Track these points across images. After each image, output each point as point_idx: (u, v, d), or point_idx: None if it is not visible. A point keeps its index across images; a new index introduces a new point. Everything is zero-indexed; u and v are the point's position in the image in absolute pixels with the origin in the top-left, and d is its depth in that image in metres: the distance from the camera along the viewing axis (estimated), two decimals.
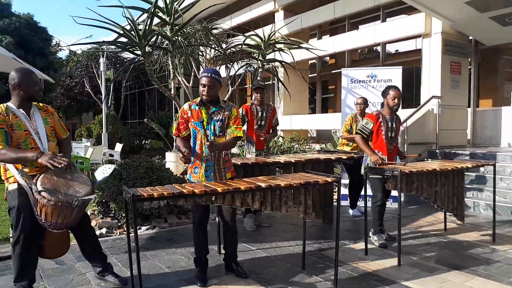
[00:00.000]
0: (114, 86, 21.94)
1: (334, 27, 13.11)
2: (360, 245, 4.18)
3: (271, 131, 5.25)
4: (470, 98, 9.13)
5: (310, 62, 13.34)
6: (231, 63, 8.55)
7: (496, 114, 8.82)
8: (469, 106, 8.94)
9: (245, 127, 4.97)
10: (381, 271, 3.53)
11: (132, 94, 25.04)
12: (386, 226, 4.70)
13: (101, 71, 15.98)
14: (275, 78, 8.95)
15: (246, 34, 8.10)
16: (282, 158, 4.83)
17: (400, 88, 6.24)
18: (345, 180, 6.33)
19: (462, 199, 4.53)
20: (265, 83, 6.17)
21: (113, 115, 18.47)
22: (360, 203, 5.82)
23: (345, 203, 6.19)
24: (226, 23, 13.22)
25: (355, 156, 5.28)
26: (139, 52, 6.34)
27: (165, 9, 6.70)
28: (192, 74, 8.39)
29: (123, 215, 4.78)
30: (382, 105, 4.46)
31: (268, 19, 13.40)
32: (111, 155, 11.71)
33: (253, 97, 5.13)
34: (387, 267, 3.63)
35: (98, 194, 5.02)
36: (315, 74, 13.57)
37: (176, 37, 6.74)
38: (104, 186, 4.98)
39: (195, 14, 6.96)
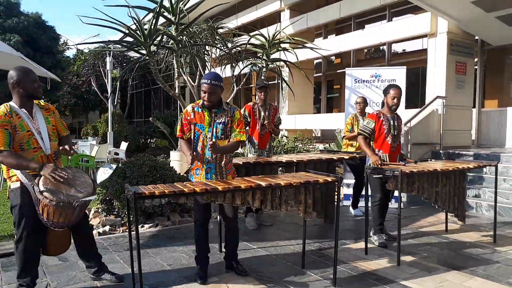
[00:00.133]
0: (120, 85, 22.10)
1: (340, 27, 13.09)
2: (361, 245, 4.20)
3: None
4: (476, 99, 9.08)
5: (315, 61, 13.34)
6: (236, 63, 8.59)
7: (501, 115, 8.77)
8: (474, 107, 8.90)
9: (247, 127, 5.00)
10: (380, 271, 3.55)
11: (138, 93, 25.22)
12: (388, 226, 4.72)
13: (107, 70, 16.10)
14: (280, 77, 8.98)
15: (251, 34, 8.13)
16: (284, 158, 4.86)
17: (404, 88, 6.27)
18: (348, 180, 6.35)
19: (463, 200, 4.53)
20: (270, 82, 6.20)
21: (119, 114, 18.60)
22: (361, 203, 5.82)
23: (347, 203, 6.21)
24: (232, 23, 13.27)
25: (357, 156, 5.29)
26: (144, 52, 6.40)
27: (170, 9, 6.76)
28: (198, 73, 8.44)
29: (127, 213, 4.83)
30: (383, 104, 4.47)
31: (274, 18, 13.42)
32: (117, 154, 11.80)
33: (257, 97, 5.15)
34: (387, 267, 3.65)
35: (102, 192, 5.09)
36: (321, 74, 13.57)
37: (181, 37, 6.79)
38: (108, 184, 5.04)
39: (200, 13, 7.00)
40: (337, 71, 13.41)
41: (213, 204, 3.15)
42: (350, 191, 6.23)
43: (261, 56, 7.79)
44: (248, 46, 8.08)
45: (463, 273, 3.49)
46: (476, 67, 9.17)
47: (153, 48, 6.34)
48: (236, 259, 3.52)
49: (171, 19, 6.83)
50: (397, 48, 11.88)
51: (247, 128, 4.96)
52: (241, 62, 8.60)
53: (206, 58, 8.54)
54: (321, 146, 9.88)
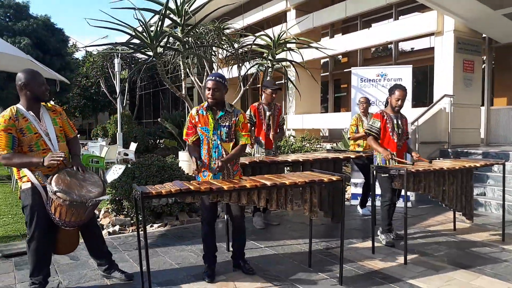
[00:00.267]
0: (129, 86, 22.25)
1: (346, 26, 13.07)
2: (368, 244, 4.21)
3: (278, 130, 5.29)
4: (484, 96, 9.01)
5: (322, 61, 13.33)
6: (243, 63, 8.62)
7: (511, 113, 8.69)
8: (483, 105, 8.83)
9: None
10: (387, 269, 3.56)
11: (146, 94, 25.40)
12: (396, 225, 4.72)
13: (116, 71, 16.23)
14: (286, 77, 9.00)
15: (256, 34, 8.16)
16: (290, 157, 4.88)
17: (410, 87, 6.26)
18: (356, 180, 6.35)
19: (471, 198, 4.52)
20: (276, 82, 6.22)
21: (128, 115, 18.74)
22: (369, 203, 5.82)
23: (355, 202, 6.21)
24: (238, 23, 13.32)
25: (364, 155, 5.28)
26: (151, 53, 6.47)
27: (176, 11, 6.81)
28: (205, 74, 8.50)
29: None
30: (387, 102, 4.48)
31: (280, 18, 13.44)
32: (126, 154, 11.91)
33: (263, 96, 5.13)
34: (394, 265, 3.66)
35: (111, 192, 5.16)
36: (327, 73, 13.56)
37: (187, 38, 6.84)
38: (117, 185, 5.11)
39: (206, 14, 7.04)
40: (344, 70, 13.39)
41: (221, 203, 3.18)
42: (357, 190, 6.24)
43: (266, 56, 7.81)
44: (253, 46, 8.11)
45: (470, 272, 3.48)
46: (484, 65, 9.10)
47: (159, 49, 6.40)
48: (243, 258, 3.55)
49: (176, 21, 6.89)
50: (404, 46, 11.83)
51: (253, 128, 4.99)
52: (247, 63, 8.63)
53: (213, 58, 8.59)
54: (328, 146, 9.88)
